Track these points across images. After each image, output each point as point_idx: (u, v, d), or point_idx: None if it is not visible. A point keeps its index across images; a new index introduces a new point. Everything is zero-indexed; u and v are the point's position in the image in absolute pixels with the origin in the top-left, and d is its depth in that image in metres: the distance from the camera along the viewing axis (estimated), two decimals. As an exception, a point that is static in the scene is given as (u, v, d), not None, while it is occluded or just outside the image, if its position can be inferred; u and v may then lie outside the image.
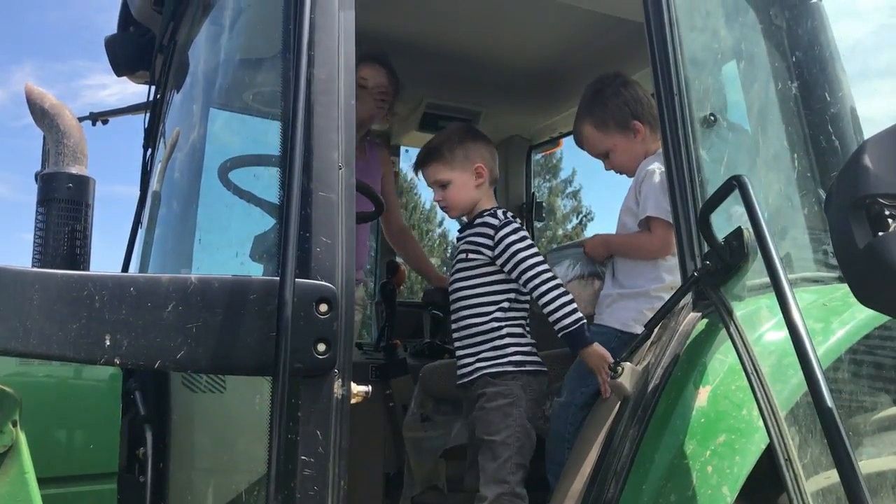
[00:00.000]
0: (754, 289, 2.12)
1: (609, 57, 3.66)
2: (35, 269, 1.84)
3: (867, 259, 1.37)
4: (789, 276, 1.79)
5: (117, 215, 3.86)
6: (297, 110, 1.71)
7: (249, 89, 2.49)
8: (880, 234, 1.38)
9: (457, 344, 2.80)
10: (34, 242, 2.03)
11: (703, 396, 2.03)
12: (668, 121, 2.25)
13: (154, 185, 2.99)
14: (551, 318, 2.57)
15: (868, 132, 2.38)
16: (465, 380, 2.72)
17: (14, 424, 1.70)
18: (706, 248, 2.11)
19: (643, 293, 2.75)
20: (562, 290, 2.59)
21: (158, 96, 3.05)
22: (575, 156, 3.62)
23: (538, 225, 5.12)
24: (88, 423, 2.21)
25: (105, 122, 3.47)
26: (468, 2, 3.51)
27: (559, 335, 2.58)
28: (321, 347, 1.70)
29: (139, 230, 3.03)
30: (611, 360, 2.36)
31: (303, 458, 1.68)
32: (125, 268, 3.01)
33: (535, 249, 2.67)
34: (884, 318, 2.17)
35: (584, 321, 2.57)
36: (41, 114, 2.03)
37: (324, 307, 1.71)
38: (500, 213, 2.78)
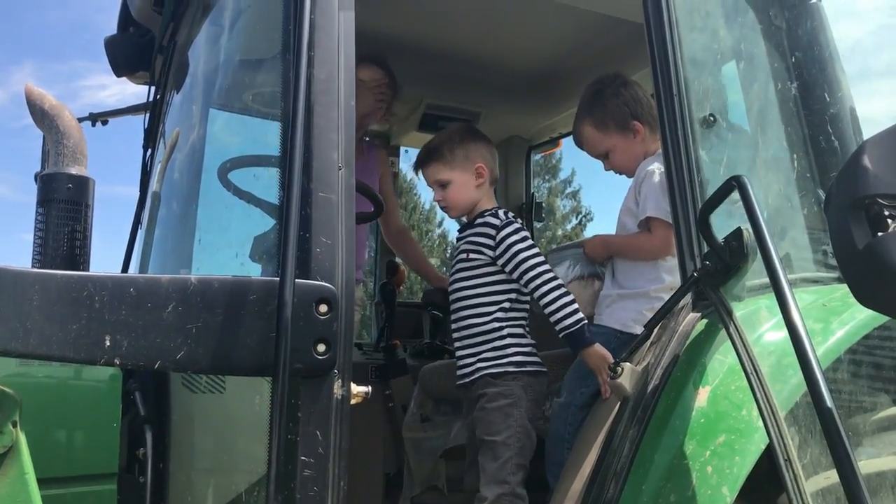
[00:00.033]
0: (754, 289, 2.12)
1: (609, 57, 3.65)
2: (35, 270, 1.84)
3: (866, 259, 1.37)
4: (789, 277, 1.79)
5: (117, 216, 3.86)
6: (297, 110, 1.71)
7: (249, 90, 2.49)
8: (880, 234, 1.38)
9: (457, 344, 2.79)
10: (34, 243, 2.04)
11: (702, 397, 2.03)
12: (667, 121, 2.25)
13: (154, 185, 2.99)
14: (552, 319, 2.57)
15: (868, 132, 2.38)
16: (466, 380, 2.72)
17: (14, 425, 1.70)
18: (706, 249, 2.11)
19: (643, 294, 2.75)
20: (563, 290, 2.60)
21: (158, 97, 3.05)
22: (574, 156, 3.61)
23: (538, 225, 5.11)
24: (88, 423, 2.21)
25: (105, 122, 3.46)
26: (468, 2, 3.50)
27: (560, 335, 2.58)
28: (321, 348, 1.70)
29: (139, 231, 3.03)
30: (611, 360, 2.36)
31: (303, 458, 1.68)
32: (125, 268, 3.01)
33: (536, 250, 2.67)
34: (883, 319, 2.17)
35: (586, 321, 2.57)
36: (41, 114, 2.03)
37: (324, 308, 1.71)
38: (501, 213, 2.78)
